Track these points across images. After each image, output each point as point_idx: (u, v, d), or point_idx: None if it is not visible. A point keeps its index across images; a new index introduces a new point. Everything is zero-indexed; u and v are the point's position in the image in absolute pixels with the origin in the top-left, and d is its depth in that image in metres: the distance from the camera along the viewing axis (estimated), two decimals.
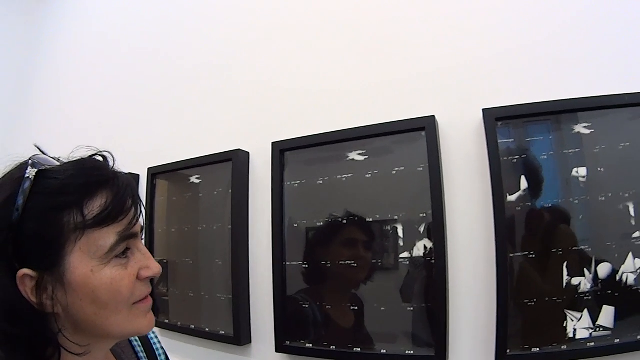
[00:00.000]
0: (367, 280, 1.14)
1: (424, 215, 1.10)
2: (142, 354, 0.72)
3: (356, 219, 1.16)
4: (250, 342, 1.29)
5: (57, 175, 0.54)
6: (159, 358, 0.74)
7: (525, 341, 1.05)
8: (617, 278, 1.02)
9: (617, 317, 1.02)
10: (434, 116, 1.12)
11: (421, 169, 1.10)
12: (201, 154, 1.36)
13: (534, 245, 1.06)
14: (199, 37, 1.52)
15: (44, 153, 0.58)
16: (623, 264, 1.02)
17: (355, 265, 1.15)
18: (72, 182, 0.54)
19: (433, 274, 1.07)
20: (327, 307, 1.18)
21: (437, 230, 1.08)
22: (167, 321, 1.42)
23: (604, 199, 1.05)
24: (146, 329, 0.60)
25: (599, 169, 1.06)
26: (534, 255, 1.05)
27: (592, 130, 1.07)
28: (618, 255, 1.03)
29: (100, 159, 0.60)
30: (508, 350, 1.04)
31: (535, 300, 1.05)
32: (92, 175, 0.56)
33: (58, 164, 0.57)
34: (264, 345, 1.26)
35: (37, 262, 0.52)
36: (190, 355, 1.38)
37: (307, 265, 1.21)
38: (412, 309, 1.10)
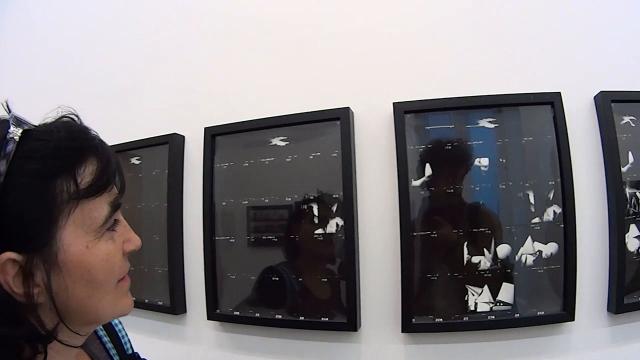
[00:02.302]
0: (286, 253, 1.26)
1: (337, 196, 1.19)
2: (109, 344, 0.68)
3: (277, 198, 1.26)
4: (186, 311, 1.39)
5: (48, 136, 0.46)
6: (124, 346, 0.71)
7: (429, 311, 1.16)
8: (516, 259, 1.14)
9: (517, 294, 1.14)
10: (348, 108, 1.21)
11: (335, 154, 1.20)
12: (141, 137, 1.46)
13: (436, 226, 1.17)
14: (140, 26, 1.57)
15: (10, 111, 0.48)
16: (522, 246, 1.15)
17: (276, 240, 1.25)
18: (67, 145, 0.47)
19: (343, 249, 1.18)
20: (252, 277, 1.28)
21: (347, 210, 1.18)
22: None
23: (504, 187, 1.17)
24: (128, 309, 0.56)
25: (500, 159, 1.17)
26: (436, 235, 1.17)
27: (496, 125, 1.18)
28: (517, 238, 1.15)
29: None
30: (413, 320, 1.15)
31: (437, 275, 1.16)
32: (85, 139, 0.50)
33: (36, 124, 0.49)
34: (197, 314, 1.36)
35: (24, 243, 0.44)
36: (132, 325, 1.42)
37: (234, 240, 1.31)
38: (326, 280, 1.21)
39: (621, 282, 1.14)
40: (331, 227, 1.21)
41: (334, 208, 1.21)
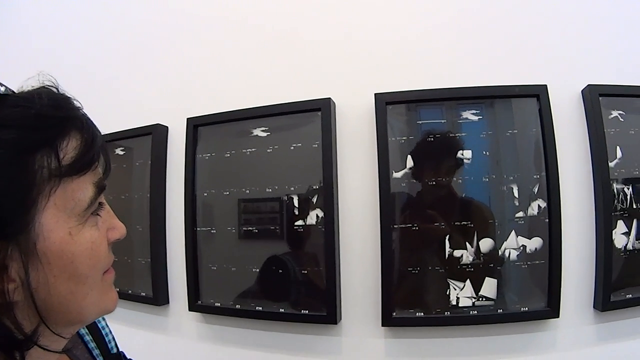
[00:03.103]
0: (267, 245, 1.25)
1: (317, 187, 1.18)
2: (92, 344, 0.62)
3: (257, 189, 1.25)
4: (168, 302, 1.39)
5: (28, 103, 0.40)
6: (108, 344, 0.65)
7: (410, 305, 1.16)
8: (500, 253, 1.13)
9: (500, 289, 1.13)
10: (329, 98, 1.19)
11: (316, 145, 1.19)
12: (126, 128, 1.46)
13: (417, 218, 1.16)
14: (126, 17, 1.58)
15: None
16: (506, 240, 1.14)
17: (257, 231, 1.25)
18: (50, 114, 0.41)
19: (323, 241, 1.17)
20: (232, 269, 1.27)
21: (327, 202, 1.16)
22: None
23: (487, 180, 1.15)
24: (113, 305, 0.50)
25: (484, 152, 1.16)
26: (417, 228, 1.16)
27: (480, 117, 1.17)
28: (500, 232, 1.14)
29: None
30: (394, 313, 1.15)
31: (418, 268, 1.15)
32: (69, 108, 0.44)
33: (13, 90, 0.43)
34: (179, 305, 1.36)
35: None
36: (115, 315, 1.52)
37: (215, 231, 1.30)
38: (306, 272, 1.20)
39: (608, 279, 1.12)
40: (311, 219, 1.20)
41: (314, 199, 1.20)
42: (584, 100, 1.18)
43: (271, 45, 1.33)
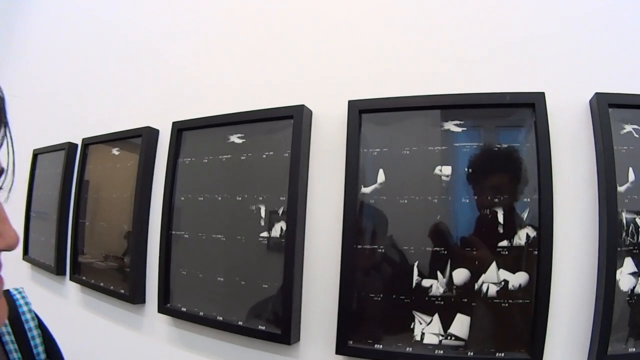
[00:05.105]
0: (232, 254, 1.25)
1: (284, 198, 1.15)
2: (12, 345, 0.54)
3: (228, 196, 1.25)
4: (144, 302, 1.43)
5: None
6: (33, 349, 0.57)
7: (369, 335, 1.07)
8: (476, 287, 1.01)
9: (473, 328, 1.00)
10: (302, 105, 1.16)
11: (287, 154, 1.16)
12: (123, 129, 1.55)
13: (384, 239, 1.08)
14: (125, 21, 1.69)
15: None
16: (484, 272, 1.01)
17: (224, 239, 1.25)
18: None
19: (285, 255, 1.13)
20: (200, 275, 1.28)
21: (290, 214, 1.12)
22: (84, 278, 1.64)
23: (467, 201, 1.04)
24: None
25: (467, 169, 1.06)
26: (383, 250, 1.07)
27: (464, 129, 1.06)
28: (479, 262, 1.02)
29: None
30: (350, 342, 1.07)
31: (381, 295, 1.06)
32: None
33: None
34: (153, 306, 1.39)
35: None
36: (94, 308, 1.58)
37: (187, 236, 1.32)
38: (266, 286, 1.16)
39: (606, 327, 0.94)
40: (276, 231, 1.17)
41: (281, 211, 1.16)
42: (591, 112, 1.02)
43: (252, 53, 1.35)
